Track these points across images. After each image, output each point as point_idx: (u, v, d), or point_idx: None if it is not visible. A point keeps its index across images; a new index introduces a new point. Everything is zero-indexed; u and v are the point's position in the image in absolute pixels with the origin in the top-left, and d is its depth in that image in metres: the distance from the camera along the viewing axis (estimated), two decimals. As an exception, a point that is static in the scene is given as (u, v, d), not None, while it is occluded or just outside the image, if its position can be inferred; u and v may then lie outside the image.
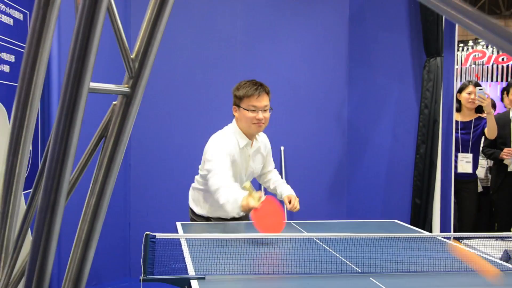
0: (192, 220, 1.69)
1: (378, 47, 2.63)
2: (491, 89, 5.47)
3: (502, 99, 3.10)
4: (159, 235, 1.09)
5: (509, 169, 2.50)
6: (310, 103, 2.71)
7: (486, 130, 2.45)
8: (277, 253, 1.33)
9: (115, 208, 2.42)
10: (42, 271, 0.46)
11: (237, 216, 1.60)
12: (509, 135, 2.52)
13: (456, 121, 2.46)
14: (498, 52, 5.70)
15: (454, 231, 2.40)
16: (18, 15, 1.76)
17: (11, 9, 1.71)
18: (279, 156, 2.64)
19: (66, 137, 0.43)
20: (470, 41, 6.24)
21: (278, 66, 2.66)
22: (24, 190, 0.56)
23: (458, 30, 2.48)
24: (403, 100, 2.57)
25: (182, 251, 1.20)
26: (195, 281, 1.03)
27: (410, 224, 2.10)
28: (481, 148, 2.59)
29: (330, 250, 1.29)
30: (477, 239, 1.41)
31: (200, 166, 1.67)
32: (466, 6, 0.33)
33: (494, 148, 2.54)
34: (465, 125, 2.51)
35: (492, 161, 2.68)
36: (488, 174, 2.76)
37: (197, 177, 1.70)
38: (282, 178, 1.83)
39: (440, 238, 1.49)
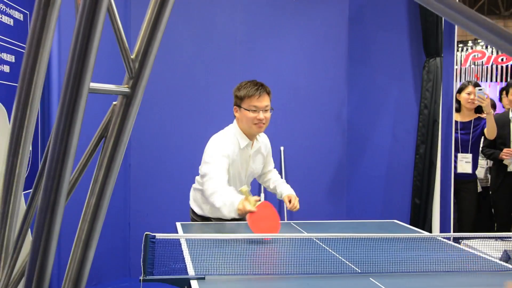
0: (193, 220, 1.69)
1: (378, 48, 2.63)
2: (491, 89, 5.48)
3: (500, 99, 3.10)
4: (159, 235, 1.09)
5: (508, 169, 2.50)
6: (310, 104, 2.71)
7: (485, 130, 2.45)
8: (277, 253, 1.33)
9: (115, 208, 2.42)
10: (42, 271, 0.46)
11: (237, 217, 1.60)
12: (509, 135, 2.52)
13: (456, 121, 2.46)
14: (497, 53, 5.71)
15: (454, 231, 2.40)
16: (19, 16, 1.76)
17: (11, 10, 1.71)
18: (279, 156, 2.64)
19: (66, 137, 0.43)
20: (470, 42, 6.25)
21: (278, 67, 2.66)
22: (24, 190, 0.56)
23: (457, 30, 2.48)
24: (403, 100, 2.57)
25: (182, 251, 1.21)
26: (195, 281, 1.03)
27: (410, 224, 2.10)
28: (480, 148, 2.59)
29: (330, 250, 1.29)
30: (476, 239, 1.41)
31: (200, 167, 1.67)
32: (463, 6, 0.33)
33: (493, 148, 2.54)
34: (464, 125, 2.51)
35: (491, 162, 2.68)
36: (488, 174, 2.76)
37: (197, 178, 1.70)
38: (282, 178, 1.83)
39: (439, 238, 1.49)
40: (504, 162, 2.51)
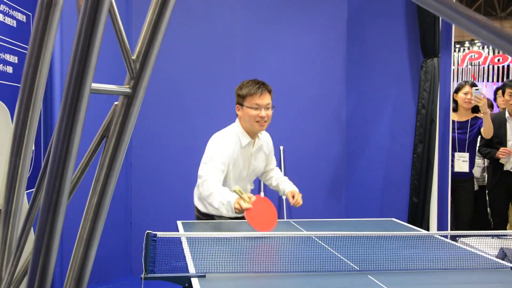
0: (198, 218, 1.70)
1: (376, 48, 2.64)
2: (487, 90, 5.50)
3: (495, 99, 3.12)
4: (160, 234, 1.10)
5: (505, 168, 2.52)
6: (309, 104, 2.72)
7: (482, 129, 2.46)
8: (277, 251, 1.34)
9: (116, 207, 2.43)
10: (45, 269, 0.46)
11: (240, 215, 1.62)
12: (505, 134, 2.54)
13: (453, 121, 2.47)
14: (494, 53, 5.74)
15: (451, 230, 2.41)
16: (21, 17, 1.77)
17: (14, 11, 1.71)
18: (278, 156, 2.65)
19: (68, 137, 0.44)
20: (467, 42, 6.28)
21: (278, 67, 2.67)
22: (26, 190, 0.57)
23: (454, 31, 2.49)
24: (401, 100, 2.59)
25: (183, 249, 1.21)
26: (196, 279, 1.03)
27: (408, 223, 2.11)
28: (477, 148, 2.61)
29: (329, 248, 1.30)
30: (473, 237, 1.42)
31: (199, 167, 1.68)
32: (459, 5, 0.34)
33: (490, 147, 2.56)
34: (461, 125, 2.53)
35: (487, 161, 2.70)
36: (484, 173, 2.78)
37: None
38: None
39: (437, 236, 1.50)
40: (501, 161, 2.53)
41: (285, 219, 2.50)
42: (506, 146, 2.51)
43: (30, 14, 1.84)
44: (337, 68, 2.73)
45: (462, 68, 5.96)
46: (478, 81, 5.85)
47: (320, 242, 1.36)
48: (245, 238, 1.34)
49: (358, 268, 1.14)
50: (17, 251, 0.56)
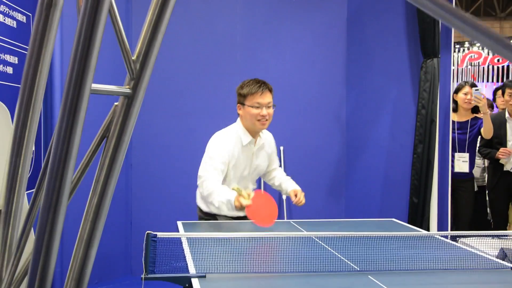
0: (200, 218, 1.71)
1: (376, 48, 2.64)
2: (487, 90, 5.51)
3: (494, 100, 3.12)
4: (160, 234, 1.10)
5: (505, 169, 2.52)
6: (309, 104, 2.72)
7: (482, 130, 2.47)
8: (277, 252, 1.34)
9: (116, 207, 2.43)
10: (45, 269, 0.46)
11: (242, 215, 1.62)
12: (505, 135, 2.54)
13: (453, 121, 2.47)
14: (493, 53, 5.74)
15: (451, 230, 2.41)
16: (21, 18, 1.77)
17: (14, 12, 1.72)
18: (278, 156, 2.65)
19: (68, 137, 0.44)
20: (466, 43, 6.28)
21: (278, 67, 2.67)
22: (27, 190, 0.57)
23: (454, 31, 2.50)
24: (401, 101, 2.59)
25: (183, 249, 1.21)
26: (196, 279, 1.04)
27: (408, 223, 2.11)
28: (477, 148, 2.61)
29: (329, 248, 1.30)
30: (473, 238, 1.42)
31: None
32: (455, 8, 0.34)
33: (490, 147, 2.56)
34: (461, 125, 2.53)
35: (487, 161, 2.70)
36: (484, 174, 2.78)
37: None
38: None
39: (437, 236, 1.50)
40: (501, 161, 2.53)
41: (285, 219, 2.50)
42: (506, 147, 2.51)
43: (30, 14, 1.84)
44: (337, 68, 2.73)
45: (462, 69, 5.97)
46: (478, 81, 5.85)
47: (320, 242, 1.36)
48: (245, 239, 1.34)
49: (358, 268, 1.14)
50: (18, 252, 0.56)
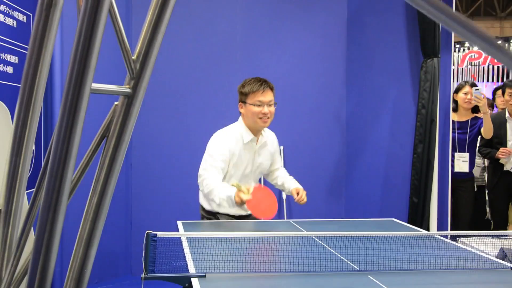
0: (203, 216, 1.72)
1: (376, 48, 2.64)
2: (487, 90, 5.51)
3: (493, 99, 3.12)
4: (160, 234, 1.10)
5: (505, 168, 2.52)
6: (309, 104, 2.72)
7: (482, 129, 2.46)
8: (277, 251, 1.34)
9: (116, 207, 2.43)
10: (45, 269, 0.46)
11: (244, 214, 1.63)
12: (505, 134, 2.54)
13: (453, 121, 2.47)
14: (489, 55, 5.73)
15: (451, 230, 2.41)
16: (22, 17, 1.77)
17: (14, 11, 1.72)
18: (278, 156, 2.65)
19: (68, 137, 0.44)
20: (466, 42, 6.27)
21: (278, 67, 2.67)
22: (27, 190, 0.57)
23: (454, 31, 2.49)
24: (401, 100, 2.59)
25: (183, 249, 1.22)
26: (196, 279, 1.04)
27: (408, 223, 2.11)
28: (477, 148, 2.61)
29: (329, 248, 1.30)
30: (473, 237, 1.42)
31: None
32: (452, 10, 0.34)
33: (490, 147, 2.56)
34: (461, 125, 2.53)
35: (487, 161, 2.70)
36: (484, 174, 2.78)
37: None
38: None
39: (437, 236, 1.50)
40: (501, 161, 2.53)
41: (285, 219, 2.50)
42: (506, 146, 2.51)
43: (30, 14, 1.84)
44: (337, 68, 2.73)
45: (462, 68, 5.97)
46: (478, 81, 5.85)
47: (320, 242, 1.36)
48: (245, 238, 1.34)
49: (358, 268, 1.14)
50: (17, 251, 0.56)
